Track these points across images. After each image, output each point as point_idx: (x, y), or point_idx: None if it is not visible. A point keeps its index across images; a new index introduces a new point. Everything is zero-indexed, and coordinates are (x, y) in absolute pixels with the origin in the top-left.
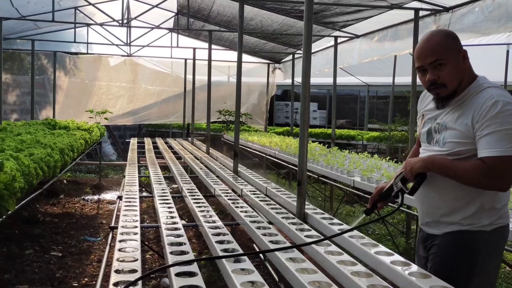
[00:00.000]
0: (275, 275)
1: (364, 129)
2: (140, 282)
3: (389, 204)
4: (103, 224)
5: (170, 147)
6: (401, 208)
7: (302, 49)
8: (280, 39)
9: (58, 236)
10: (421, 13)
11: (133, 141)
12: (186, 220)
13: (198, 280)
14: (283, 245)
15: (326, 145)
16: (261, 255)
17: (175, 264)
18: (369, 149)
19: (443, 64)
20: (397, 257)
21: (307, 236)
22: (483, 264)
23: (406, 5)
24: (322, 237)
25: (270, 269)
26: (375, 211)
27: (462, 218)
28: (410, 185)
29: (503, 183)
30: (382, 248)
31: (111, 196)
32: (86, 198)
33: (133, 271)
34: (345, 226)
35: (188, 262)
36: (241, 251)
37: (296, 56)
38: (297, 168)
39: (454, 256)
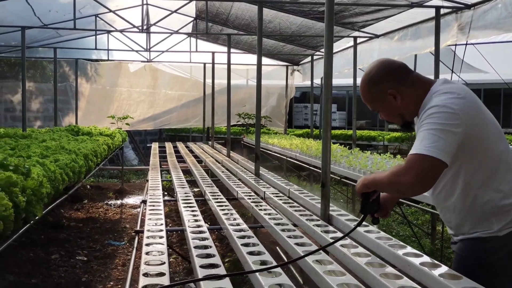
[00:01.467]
0: (299, 278)
1: (384, 130)
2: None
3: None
4: (127, 229)
5: (191, 151)
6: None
7: (321, 50)
8: (299, 41)
9: (83, 241)
10: (442, 11)
11: (155, 146)
12: (209, 223)
13: (226, 283)
14: (311, 248)
15: (347, 147)
16: (283, 256)
17: (206, 278)
18: (390, 150)
19: (378, 111)
20: (426, 258)
21: (333, 238)
22: (503, 270)
23: (426, 3)
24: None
25: (294, 271)
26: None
27: (471, 227)
28: None
29: (410, 181)
30: (410, 249)
31: (133, 201)
32: (109, 203)
33: (161, 274)
34: (371, 228)
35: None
36: (266, 253)
37: (315, 57)
38: (318, 170)
39: (467, 263)
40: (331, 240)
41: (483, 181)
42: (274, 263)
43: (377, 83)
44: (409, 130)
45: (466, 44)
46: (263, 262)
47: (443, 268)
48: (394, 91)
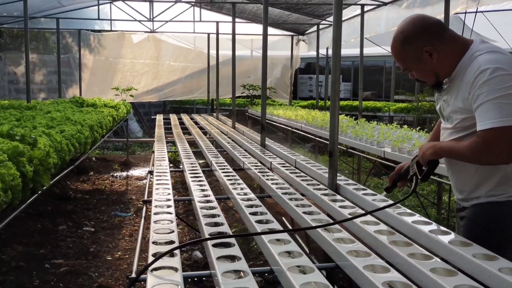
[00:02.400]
0: (305, 247)
1: (390, 101)
2: (178, 252)
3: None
4: (133, 200)
5: (196, 123)
6: (415, 191)
7: (327, 19)
8: (304, 10)
9: (90, 212)
10: None
11: (159, 118)
12: (214, 193)
13: (235, 250)
14: (326, 222)
15: (353, 117)
16: (288, 225)
17: (212, 238)
18: (396, 121)
19: (411, 70)
20: (434, 226)
21: (341, 207)
22: None
23: None
24: (364, 212)
25: (300, 240)
26: (395, 189)
27: (488, 190)
28: None
29: (500, 156)
30: (418, 217)
31: (139, 173)
32: (115, 174)
33: (171, 242)
34: (378, 197)
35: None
36: (275, 222)
37: (321, 26)
38: (324, 141)
39: (482, 228)
40: (339, 208)
41: None
42: (285, 233)
43: (412, 41)
44: (439, 90)
45: (476, 12)
46: (271, 230)
47: (453, 235)
48: (431, 48)
